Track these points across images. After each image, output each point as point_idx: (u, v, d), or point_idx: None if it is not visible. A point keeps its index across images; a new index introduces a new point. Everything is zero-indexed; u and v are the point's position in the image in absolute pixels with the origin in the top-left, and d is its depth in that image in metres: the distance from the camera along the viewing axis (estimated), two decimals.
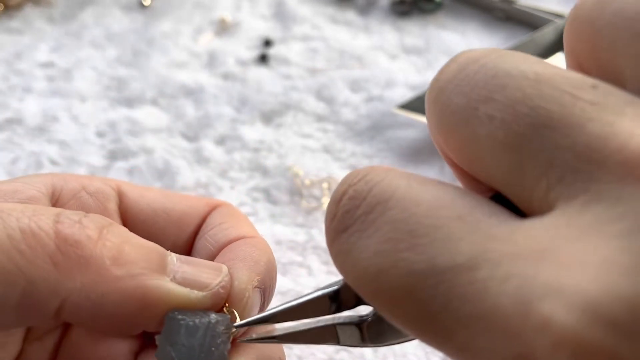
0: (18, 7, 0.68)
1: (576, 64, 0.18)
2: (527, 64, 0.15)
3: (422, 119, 0.53)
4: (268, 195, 0.49)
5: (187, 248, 0.29)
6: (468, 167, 0.16)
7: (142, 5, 0.69)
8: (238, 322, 0.23)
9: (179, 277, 0.22)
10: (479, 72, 0.15)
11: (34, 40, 0.65)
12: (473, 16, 0.66)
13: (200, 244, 0.28)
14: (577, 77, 0.14)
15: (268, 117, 0.56)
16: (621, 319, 0.11)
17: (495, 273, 0.13)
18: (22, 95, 0.58)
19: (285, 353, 0.38)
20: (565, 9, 0.64)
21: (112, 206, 0.27)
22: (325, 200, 0.48)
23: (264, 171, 0.50)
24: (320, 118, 0.56)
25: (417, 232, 0.14)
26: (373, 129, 0.54)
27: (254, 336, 0.23)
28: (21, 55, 0.63)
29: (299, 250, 0.44)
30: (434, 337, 0.14)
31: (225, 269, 0.23)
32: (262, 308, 0.25)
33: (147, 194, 0.28)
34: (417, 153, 0.52)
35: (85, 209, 0.26)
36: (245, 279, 0.24)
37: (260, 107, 0.57)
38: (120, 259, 0.21)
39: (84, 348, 0.26)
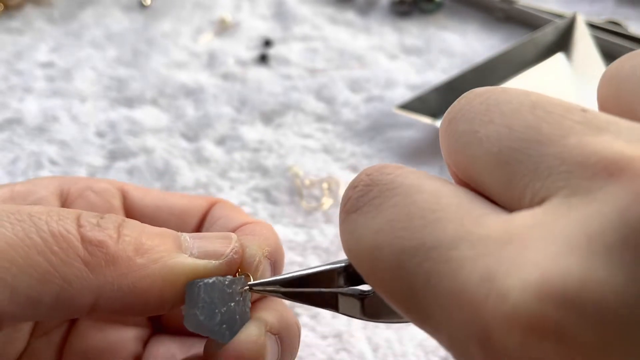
0: (18, 7, 0.68)
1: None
2: (526, 95, 0.17)
3: (422, 119, 0.53)
4: (268, 195, 0.49)
5: None
6: (472, 184, 0.18)
7: (142, 5, 0.69)
8: (252, 281, 0.25)
9: (195, 252, 0.24)
10: (483, 103, 0.17)
11: (34, 40, 0.65)
12: (473, 16, 0.66)
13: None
14: (570, 104, 0.16)
15: (268, 117, 0.56)
16: (570, 296, 0.12)
17: (469, 253, 0.14)
18: (22, 95, 0.58)
19: None
20: (565, 9, 0.64)
21: (117, 203, 0.29)
22: (326, 200, 0.48)
23: (264, 171, 0.50)
24: (320, 118, 0.56)
25: (415, 215, 0.16)
26: (373, 129, 0.54)
27: (263, 288, 0.25)
28: (21, 55, 0.63)
29: (299, 250, 0.44)
30: (416, 315, 0.16)
31: (234, 236, 0.25)
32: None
33: (149, 193, 0.30)
34: (417, 153, 0.52)
35: (92, 205, 0.28)
36: (256, 247, 0.26)
37: (260, 107, 0.57)
38: (140, 249, 0.22)
39: (92, 339, 0.27)
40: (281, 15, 0.68)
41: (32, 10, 0.68)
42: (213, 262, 0.24)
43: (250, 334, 0.24)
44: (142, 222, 0.28)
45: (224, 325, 0.23)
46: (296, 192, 0.49)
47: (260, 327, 0.24)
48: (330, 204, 0.48)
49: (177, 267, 0.23)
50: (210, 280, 0.23)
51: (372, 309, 0.22)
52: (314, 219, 0.47)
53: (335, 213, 0.47)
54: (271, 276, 0.26)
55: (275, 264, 0.27)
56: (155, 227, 0.24)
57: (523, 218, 0.14)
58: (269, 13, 0.68)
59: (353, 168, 0.51)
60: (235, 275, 0.25)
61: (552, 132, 0.15)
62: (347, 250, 0.18)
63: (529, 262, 0.13)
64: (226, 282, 0.23)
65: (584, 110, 0.16)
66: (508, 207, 0.16)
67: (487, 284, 0.13)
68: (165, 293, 0.23)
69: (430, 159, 0.51)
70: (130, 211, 0.29)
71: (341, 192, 0.49)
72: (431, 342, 0.39)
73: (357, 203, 0.18)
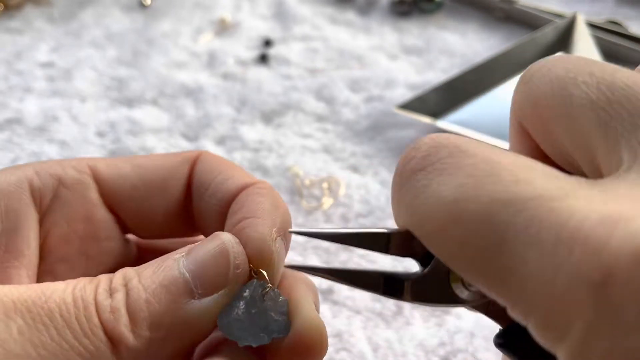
0: (18, 7, 0.68)
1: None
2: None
3: (422, 119, 0.53)
4: None
5: (183, 213, 0.28)
6: (550, 134, 0.18)
7: (142, 5, 0.69)
8: (295, 264, 0.23)
9: (200, 290, 0.23)
10: (580, 57, 0.18)
11: (34, 40, 0.65)
12: (473, 16, 0.66)
13: (204, 207, 0.28)
14: None
15: (268, 117, 0.56)
16: None
17: (579, 203, 0.14)
18: (22, 95, 0.58)
19: None
20: (565, 9, 0.64)
21: (93, 195, 0.27)
22: (326, 200, 0.48)
23: (264, 171, 0.50)
24: (320, 118, 0.56)
25: (502, 172, 0.16)
26: (373, 129, 0.54)
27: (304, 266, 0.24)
28: (21, 55, 0.63)
29: (299, 250, 0.44)
30: (496, 273, 0.15)
31: (228, 242, 0.23)
32: (286, 248, 0.26)
33: (122, 168, 0.28)
34: None
35: (68, 208, 0.27)
36: (266, 237, 0.24)
37: (260, 107, 0.57)
38: (154, 324, 0.22)
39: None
40: (281, 15, 0.68)
41: (32, 10, 0.68)
42: (221, 294, 0.23)
43: (306, 319, 0.24)
44: (123, 207, 0.28)
45: (262, 334, 0.23)
46: (296, 192, 0.49)
47: (311, 308, 0.24)
48: (330, 204, 0.48)
49: (192, 322, 0.22)
50: (232, 316, 0.23)
51: (419, 292, 0.21)
52: (314, 219, 0.47)
53: (336, 213, 0.47)
54: (285, 248, 0.25)
55: (285, 234, 0.26)
56: (158, 278, 0.22)
57: (624, 184, 0.15)
58: (269, 13, 0.68)
59: (353, 168, 0.51)
60: (250, 275, 0.24)
61: None
62: (411, 212, 0.17)
63: None
64: (247, 301, 0.23)
65: None
66: (587, 161, 0.17)
67: (608, 227, 0.13)
68: (191, 344, 0.23)
69: None
70: (109, 201, 0.28)
71: (341, 192, 0.49)
72: (431, 342, 0.39)
73: (424, 162, 0.17)
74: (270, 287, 0.24)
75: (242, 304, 0.23)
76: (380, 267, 0.22)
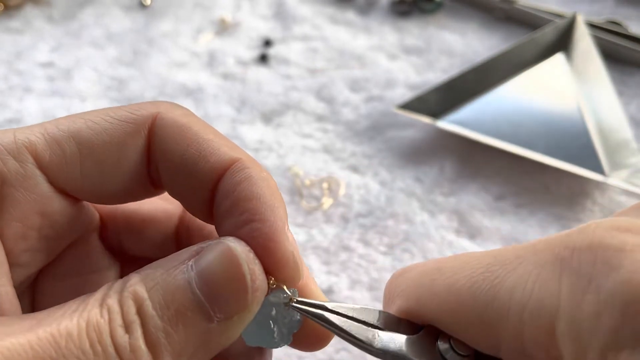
0: (18, 7, 0.68)
1: None
2: None
3: (422, 119, 0.53)
4: None
5: (142, 179, 0.26)
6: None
7: (142, 5, 0.69)
8: (295, 300, 0.24)
9: (220, 316, 0.22)
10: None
11: (34, 40, 0.65)
12: (473, 16, 0.66)
13: (179, 185, 0.25)
14: None
15: (268, 117, 0.56)
16: None
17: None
18: (22, 95, 0.58)
19: (286, 353, 0.38)
20: (565, 9, 0.64)
21: (43, 188, 0.24)
22: (326, 200, 0.48)
23: None
24: (320, 118, 0.56)
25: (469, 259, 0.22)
26: (373, 129, 0.54)
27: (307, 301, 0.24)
28: (21, 55, 0.63)
29: (299, 250, 0.44)
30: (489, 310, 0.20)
31: (245, 266, 0.22)
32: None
33: (66, 150, 0.24)
34: (417, 153, 0.52)
35: (18, 208, 0.24)
36: (289, 253, 0.23)
37: (260, 107, 0.57)
38: (176, 352, 0.21)
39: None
40: (281, 15, 0.68)
41: (32, 10, 0.68)
42: (241, 316, 0.22)
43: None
44: (74, 191, 0.25)
45: (276, 339, 0.24)
46: (296, 192, 0.49)
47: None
48: (330, 204, 0.48)
49: (214, 345, 0.22)
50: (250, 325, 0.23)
51: (414, 351, 0.22)
52: (314, 219, 0.47)
53: (336, 213, 0.47)
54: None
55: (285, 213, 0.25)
56: (173, 304, 0.21)
57: None
58: (269, 13, 0.68)
59: (353, 168, 0.51)
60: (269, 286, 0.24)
61: None
62: (406, 291, 0.23)
63: None
64: (268, 310, 0.24)
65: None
66: None
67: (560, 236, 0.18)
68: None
69: (430, 159, 0.51)
70: (58, 187, 0.25)
71: (341, 192, 0.49)
72: None
73: (405, 270, 0.24)
74: (292, 299, 0.24)
75: (262, 313, 0.23)
76: (382, 341, 0.23)
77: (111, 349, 0.20)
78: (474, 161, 0.51)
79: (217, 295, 0.21)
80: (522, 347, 0.19)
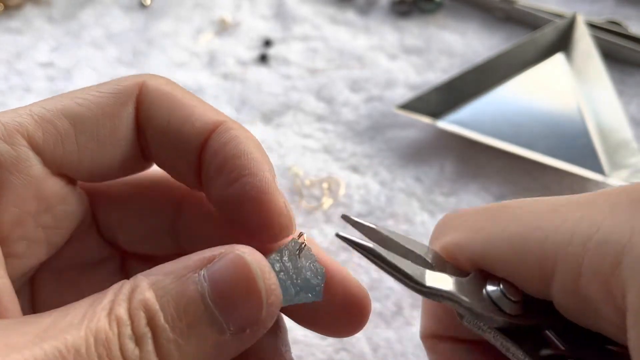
0: (18, 7, 0.68)
1: None
2: None
3: (422, 119, 0.53)
4: None
5: (133, 151, 0.25)
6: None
7: (142, 5, 0.69)
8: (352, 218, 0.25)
9: (232, 328, 0.21)
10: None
11: (34, 40, 0.65)
12: (473, 16, 0.66)
13: (166, 151, 0.25)
14: None
15: (268, 117, 0.56)
16: None
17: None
18: (22, 95, 0.58)
19: None
20: (565, 9, 0.64)
21: (37, 170, 0.24)
22: (326, 200, 0.48)
23: None
24: (320, 118, 0.56)
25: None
26: (373, 129, 0.54)
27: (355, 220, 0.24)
28: (21, 55, 0.63)
29: None
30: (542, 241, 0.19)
31: (260, 283, 0.21)
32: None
33: (60, 128, 0.24)
34: (417, 153, 0.52)
35: (14, 192, 0.23)
36: (273, 197, 0.24)
37: (260, 107, 0.57)
38: None
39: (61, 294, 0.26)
40: (281, 15, 0.68)
41: (32, 10, 0.68)
42: (254, 330, 0.21)
43: (352, 280, 0.24)
44: (70, 171, 0.24)
45: (293, 292, 0.23)
46: (296, 192, 0.49)
47: (351, 276, 0.25)
48: (330, 204, 0.48)
49: (226, 354, 0.21)
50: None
51: (465, 293, 0.21)
52: (314, 219, 0.47)
53: (336, 213, 0.47)
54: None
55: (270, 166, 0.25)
56: (186, 317, 0.21)
57: None
58: (269, 13, 0.68)
59: (353, 168, 0.51)
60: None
61: None
62: (460, 226, 0.22)
63: None
64: (285, 257, 0.23)
65: None
66: None
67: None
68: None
69: (431, 159, 0.51)
70: (53, 168, 0.24)
71: (341, 192, 0.49)
72: None
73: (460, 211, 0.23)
74: (306, 245, 0.24)
75: (279, 260, 0.23)
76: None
77: None
78: (474, 161, 0.51)
79: (230, 309, 0.21)
80: (577, 285, 0.18)
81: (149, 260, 0.28)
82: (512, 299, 0.21)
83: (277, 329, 0.26)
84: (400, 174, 0.50)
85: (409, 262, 0.21)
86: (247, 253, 0.22)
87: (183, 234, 0.28)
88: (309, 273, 0.23)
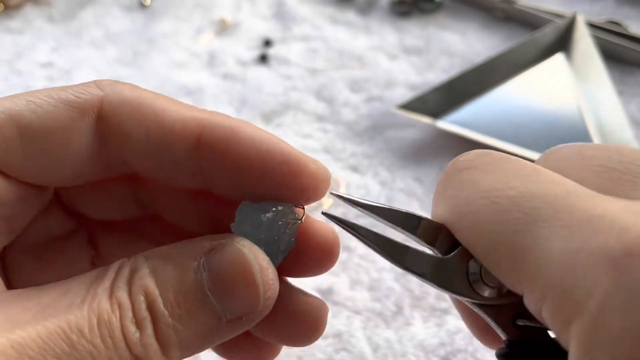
0: (18, 7, 0.68)
1: None
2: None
3: (422, 119, 0.53)
4: None
5: (96, 162, 0.25)
6: None
7: (142, 5, 0.69)
8: (339, 192, 0.25)
9: (229, 316, 0.22)
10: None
11: (34, 40, 0.65)
12: (473, 16, 0.66)
13: (149, 162, 0.24)
14: None
15: (268, 117, 0.56)
16: None
17: (606, 199, 0.17)
18: None
19: (286, 352, 0.38)
20: (565, 9, 0.64)
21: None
22: (326, 200, 0.48)
23: None
24: (320, 118, 0.56)
25: (539, 173, 0.19)
26: (373, 129, 0.54)
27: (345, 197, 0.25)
28: (21, 55, 0.63)
29: None
30: (524, 249, 0.18)
31: (257, 274, 0.22)
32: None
33: (7, 135, 0.23)
34: (417, 153, 0.52)
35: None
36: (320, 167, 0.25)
37: (260, 107, 0.57)
38: (183, 345, 0.21)
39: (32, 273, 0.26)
40: (281, 15, 0.68)
41: (32, 10, 0.68)
42: (249, 318, 0.22)
43: (318, 225, 0.26)
44: (20, 176, 0.24)
45: (272, 255, 0.23)
46: None
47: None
48: (330, 204, 0.48)
49: (221, 338, 0.22)
50: (258, 217, 0.23)
51: (439, 274, 0.21)
52: None
53: (336, 213, 0.47)
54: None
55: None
56: (185, 304, 0.21)
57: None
58: (269, 13, 0.68)
59: (353, 168, 0.51)
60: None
61: None
62: (452, 203, 0.21)
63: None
64: (276, 216, 0.24)
65: None
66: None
67: (633, 215, 0.16)
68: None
69: (430, 159, 0.51)
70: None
71: (341, 192, 0.49)
72: (431, 342, 0.39)
73: (469, 163, 0.21)
74: (300, 222, 0.25)
75: (268, 213, 0.23)
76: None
77: (122, 344, 0.20)
78: None
79: (228, 300, 0.22)
80: (540, 312, 0.18)
81: (117, 227, 0.28)
82: (490, 284, 0.21)
83: None
84: (400, 174, 0.50)
85: (391, 239, 0.22)
86: (247, 247, 0.22)
87: (146, 198, 0.28)
88: (279, 237, 0.24)
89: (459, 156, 0.21)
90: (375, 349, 0.39)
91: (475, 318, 0.23)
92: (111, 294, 0.21)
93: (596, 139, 0.51)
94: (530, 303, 0.18)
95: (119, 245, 0.28)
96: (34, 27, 0.67)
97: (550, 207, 0.17)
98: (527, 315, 0.20)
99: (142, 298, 0.21)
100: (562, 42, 0.59)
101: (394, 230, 0.23)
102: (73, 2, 0.70)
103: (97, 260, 0.28)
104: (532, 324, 0.21)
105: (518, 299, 0.19)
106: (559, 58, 0.58)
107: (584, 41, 0.57)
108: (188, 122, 0.24)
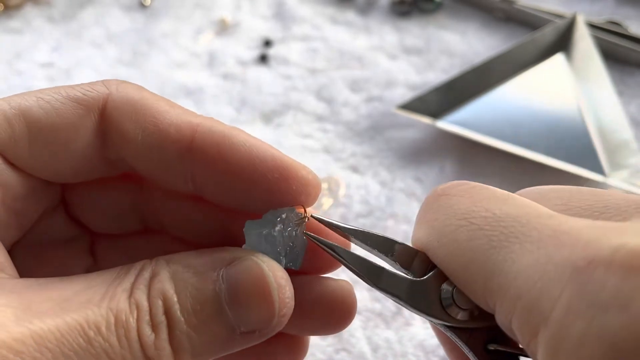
0: (18, 7, 0.68)
1: None
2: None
3: (422, 119, 0.53)
4: None
5: (98, 159, 0.25)
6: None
7: (142, 5, 0.69)
8: (316, 215, 0.25)
9: (243, 328, 0.22)
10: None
11: (34, 40, 0.65)
12: (473, 16, 0.66)
13: (147, 158, 0.25)
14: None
15: (268, 117, 0.56)
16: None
17: (572, 218, 0.18)
18: None
19: None
20: (565, 9, 0.64)
21: None
22: (326, 200, 0.48)
23: None
24: (320, 118, 0.56)
25: (512, 198, 0.20)
26: (373, 129, 0.54)
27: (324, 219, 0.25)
28: (21, 55, 0.63)
29: None
30: (494, 264, 0.19)
31: (275, 295, 0.23)
32: None
33: (17, 131, 0.24)
34: (417, 153, 0.52)
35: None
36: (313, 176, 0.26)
37: (260, 107, 0.57)
38: (196, 352, 0.22)
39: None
40: (281, 15, 0.68)
41: (32, 10, 0.68)
42: (262, 332, 0.23)
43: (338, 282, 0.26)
44: (29, 170, 0.24)
45: (279, 257, 0.24)
46: None
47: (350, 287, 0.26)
48: (330, 204, 0.48)
49: (232, 348, 0.23)
50: (268, 233, 0.24)
51: (414, 295, 0.22)
52: None
53: (336, 213, 0.47)
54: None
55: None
56: (201, 314, 0.22)
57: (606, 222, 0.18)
58: (269, 13, 0.68)
59: (353, 168, 0.51)
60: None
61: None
62: (430, 226, 0.22)
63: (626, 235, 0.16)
64: (282, 227, 0.24)
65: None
66: None
67: (596, 231, 0.17)
68: None
69: (430, 159, 0.51)
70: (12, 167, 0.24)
71: (341, 192, 0.49)
72: (431, 342, 0.39)
73: (448, 190, 0.22)
74: (307, 219, 0.25)
75: (277, 225, 0.24)
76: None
77: (137, 345, 0.20)
78: (474, 161, 0.51)
79: (243, 314, 0.22)
80: (510, 327, 0.18)
81: (117, 241, 0.29)
82: (462, 307, 0.21)
83: None
84: (400, 174, 0.50)
85: (368, 260, 0.23)
86: (266, 262, 0.23)
87: (147, 210, 0.28)
88: (294, 242, 0.25)
89: (438, 185, 0.23)
90: (375, 349, 0.39)
91: (450, 341, 0.23)
92: (130, 294, 0.21)
93: (596, 139, 0.51)
94: (501, 317, 0.18)
95: (118, 258, 0.28)
96: (34, 27, 0.67)
97: (521, 226, 0.19)
98: (499, 340, 0.21)
99: (160, 302, 0.21)
100: (562, 42, 0.59)
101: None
102: (73, 2, 0.70)
103: (92, 270, 0.28)
104: (503, 349, 0.22)
105: (490, 323, 0.20)
106: (559, 58, 0.58)
107: (584, 41, 0.57)
108: (182, 126, 0.24)
